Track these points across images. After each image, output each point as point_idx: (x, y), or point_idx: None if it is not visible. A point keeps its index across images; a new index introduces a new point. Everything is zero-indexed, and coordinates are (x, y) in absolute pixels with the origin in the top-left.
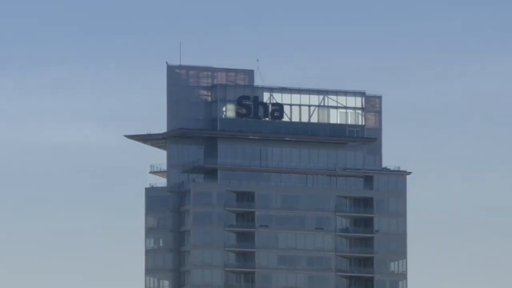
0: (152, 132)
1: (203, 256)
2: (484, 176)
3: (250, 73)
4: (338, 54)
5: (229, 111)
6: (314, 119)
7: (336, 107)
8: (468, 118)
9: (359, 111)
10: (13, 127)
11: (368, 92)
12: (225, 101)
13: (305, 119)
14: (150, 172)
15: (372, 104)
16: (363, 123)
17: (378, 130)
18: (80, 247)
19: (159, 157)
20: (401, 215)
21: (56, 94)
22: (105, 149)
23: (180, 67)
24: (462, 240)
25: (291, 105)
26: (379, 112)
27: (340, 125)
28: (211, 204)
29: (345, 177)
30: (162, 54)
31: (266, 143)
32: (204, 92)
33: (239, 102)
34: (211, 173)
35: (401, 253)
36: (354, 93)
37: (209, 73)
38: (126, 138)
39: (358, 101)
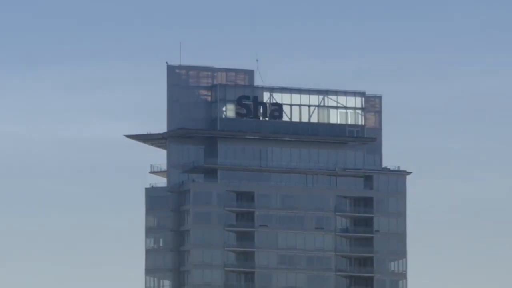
0: (152, 132)
1: (203, 256)
2: (484, 176)
3: (250, 73)
4: (338, 54)
5: (229, 111)
6: (314, 119)
7: (336, 107)
8: (468, 118)
9: (359, 111)
10: (17, 123)
11: (368, 92)
12: (225, 101)
13: (305, 119)
14: (150, 172)
15: (372, 104)
16: (363, 123)
17: (378, 130)
18: (80, 247)
19: (159, 157)
20: (401, 215)
21: (56, 94)
22: (105, 149)
23: (180, 67)
24: (462, 240)
25: (291, 105)
26: (379, 112)
27: (340, 125)
28: (211, 204)
29: (345, 177)
30: (162, 54)
31: (266, 143)
32: (204, 92)
33: (239, 102)
34: (211, 173)
35: (401, 253)
36: (354, 93)
37: (209, 73)
38: (126, 138)
39: (358, 101)
